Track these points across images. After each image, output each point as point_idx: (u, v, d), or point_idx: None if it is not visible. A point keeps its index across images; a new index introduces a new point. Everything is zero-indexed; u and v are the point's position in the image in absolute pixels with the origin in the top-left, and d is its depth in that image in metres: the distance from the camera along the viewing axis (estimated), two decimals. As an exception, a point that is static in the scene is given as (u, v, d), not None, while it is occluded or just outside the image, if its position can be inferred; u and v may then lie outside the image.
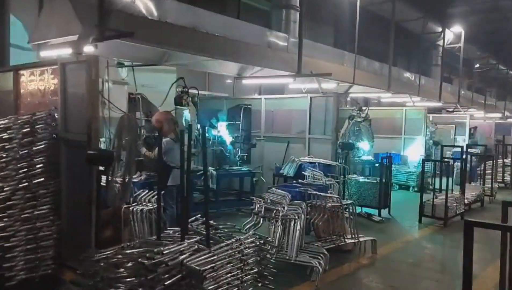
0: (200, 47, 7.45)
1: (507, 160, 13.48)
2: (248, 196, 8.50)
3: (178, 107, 7.77)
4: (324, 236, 5.93)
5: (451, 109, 19.39)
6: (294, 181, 7.20)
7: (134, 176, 5.97)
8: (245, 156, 8.47)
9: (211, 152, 8.16)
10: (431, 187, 12.05)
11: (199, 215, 4.34)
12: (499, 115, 23.17)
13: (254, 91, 13.07)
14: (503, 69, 25.66)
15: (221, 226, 4.30)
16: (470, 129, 16.78)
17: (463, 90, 19.21)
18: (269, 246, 4.34)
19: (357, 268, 5.57)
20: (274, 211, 5.45)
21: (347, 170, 8.39)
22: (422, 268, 5.67)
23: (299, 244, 5.33)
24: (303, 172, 7.91)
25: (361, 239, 6.06)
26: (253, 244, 4.04)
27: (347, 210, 6.08)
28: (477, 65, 23.82)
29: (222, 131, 8.22)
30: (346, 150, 8.57)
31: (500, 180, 12.83)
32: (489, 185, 10.76)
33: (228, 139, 8.28)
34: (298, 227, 5.32)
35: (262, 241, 4.13)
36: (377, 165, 11.53)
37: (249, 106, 8.60)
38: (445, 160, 8.85)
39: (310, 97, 9.09)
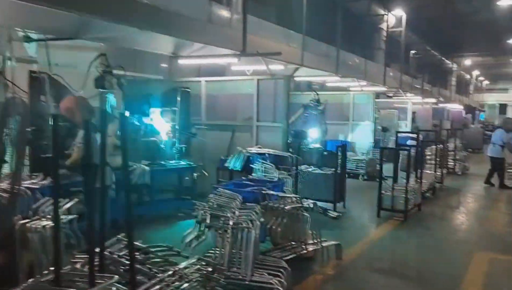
0: (123, 16, 6.09)
1: (451, 145, 13.39)
2: (188, 193, 7.37)
3: (103, 91, 6.41)
4: (283, 242, 4.97)
5: (391, 94, 19.36)
6: (243, 178, 6.15)
7: (34, 181, 4.60)
8: (183, 148, 7.26)
9: (143, 144, 6.89)
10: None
11: (122, 235, 3.15)
12: (434, 100, 23.75)
13: (193, 73, 11.76)
14: (436, 55, 26.38)
15: (153, 249, 3.14)
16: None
17: (404, 76, 19.21)
18: (219, 274, 3.25)
19: (325, 282, 4.66)
20: (223, 219, 4.37)
21: (300, 161, 7.49)
22: (396, 278, 4.91)
23: (254, 258, 4.32)
24: (251, 165, 6.89)
25: (324, 244, 5.16)
26: (198, 274, 2.94)
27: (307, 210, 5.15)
28: (414, 51, 24.18)
29: (155, 119, 6.95)
30: (299, 139, 7.67)
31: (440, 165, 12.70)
32: (439, 172, 10.46)
33: (162, 128, 7.03)
34: (253, 238, 4.29)
35: (210, 269, 3.04)
36: (325, 153, 10.84)
37: (187, 90, 7.35)
38: (405, 148, 8.23)
39: (258, 80, 8.04)
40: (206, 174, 8.35)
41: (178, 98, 7.17)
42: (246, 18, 7.87)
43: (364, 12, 16.21)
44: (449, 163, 13.02)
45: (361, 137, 12.15)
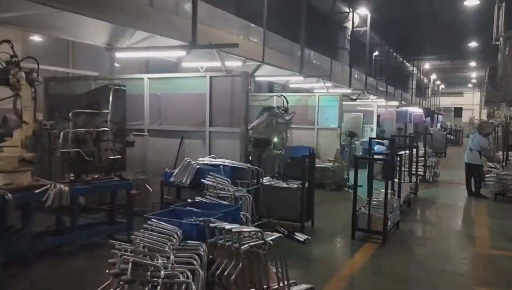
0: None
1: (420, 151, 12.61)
2: (124, 215, 6.00)
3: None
4: (238, 290, 3.71)
5: (354, 97, 18.59)
6: (189, 200, 4.83)
7: None
8: (117, 159, 5.83)
9: (63, 156, 5.44)
10: (348, 183, 10.67)
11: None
12: (397, 103, 23.34)
13: (140, 70, 10.32)
14: (399, 58, 26.08)
15: None
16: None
17: (368, 78, 18.53)
18: None
19: None
20: (151, 269, 3.06)
21: (261, 174, 6.27)
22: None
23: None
24: (202, 180, 5.57)
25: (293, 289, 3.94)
26: None
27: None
28: (376, 53, 23.71)
29: (79, 123, 5.51)
30: (260, 147, 6.44)
31: (413, 173, 11.91)
32: (413, 181, 9.54)
33: (90, 135, 5.59)
34: (194, 295, 3.02)
35: None
36: (289, 161, 9.70)
37: (121, 87, 5.92)
38: (380, 157, 7.19)
39: (211, 77, 6.75)
40: (150, 189, 7.00)
41: (110, 98, 5.73)
42: (196, 4, 6.60)
43: (328, 9, 15.34)
44: (419, 170, 12.23)
45: (327, 143, 11.11)
